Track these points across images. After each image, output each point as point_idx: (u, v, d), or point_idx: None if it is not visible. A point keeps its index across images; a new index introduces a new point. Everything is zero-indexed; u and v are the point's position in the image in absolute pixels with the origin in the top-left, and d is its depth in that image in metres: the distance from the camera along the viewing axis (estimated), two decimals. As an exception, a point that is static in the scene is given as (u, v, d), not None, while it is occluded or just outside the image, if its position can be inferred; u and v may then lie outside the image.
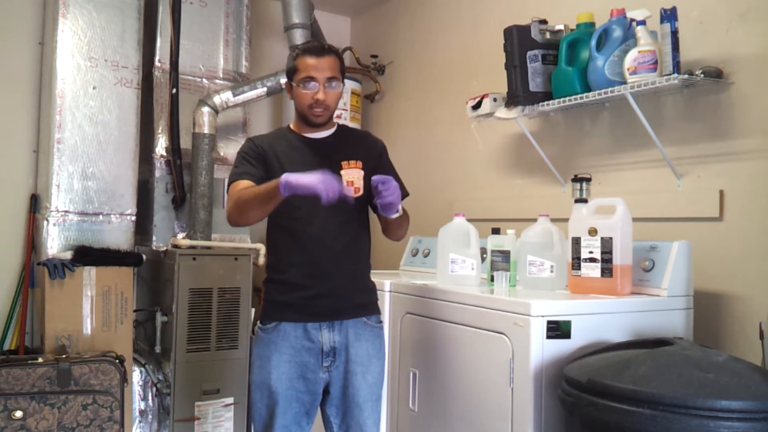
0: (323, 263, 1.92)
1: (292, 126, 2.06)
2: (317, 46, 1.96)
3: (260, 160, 1.96)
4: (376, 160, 2.06)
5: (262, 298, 2.03)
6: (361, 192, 1.92)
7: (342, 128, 2.09)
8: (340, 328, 1.95)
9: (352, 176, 1.91)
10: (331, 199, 1.65)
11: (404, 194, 2.10)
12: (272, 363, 1.92)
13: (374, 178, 1.79)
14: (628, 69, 2.18)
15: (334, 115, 2.04)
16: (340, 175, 1.92)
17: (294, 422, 1.92)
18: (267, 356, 1.93)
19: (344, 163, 1.93)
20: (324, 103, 1.93)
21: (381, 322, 2.06)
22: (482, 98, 2.75)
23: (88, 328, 2.73)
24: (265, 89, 3.18)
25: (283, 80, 3.18)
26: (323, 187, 1.63)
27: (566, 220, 2.18)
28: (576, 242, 2.12)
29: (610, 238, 2.04)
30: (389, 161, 2.12)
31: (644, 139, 2.34)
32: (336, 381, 1.96)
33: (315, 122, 1.97)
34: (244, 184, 1.90)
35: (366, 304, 2.02)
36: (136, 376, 2.87)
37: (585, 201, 2.25)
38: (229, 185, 1.96)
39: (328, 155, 1.97)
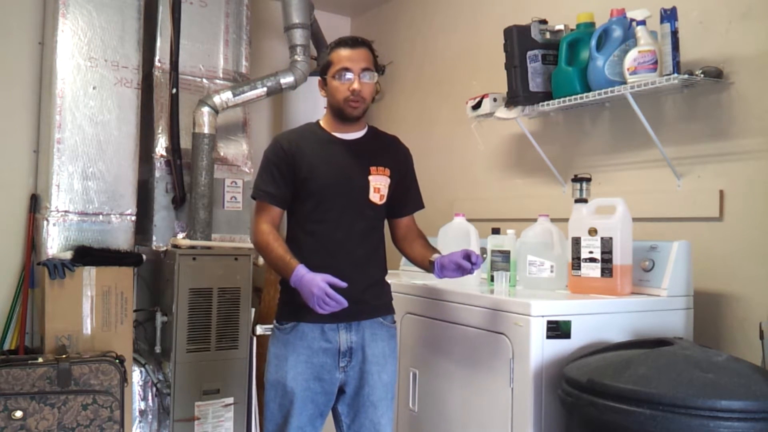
0: (346, 269, 1.88)
1: (322, 123, 2.03)
2: (350, 37, 1.96)
3: (286, 169, 1.94)
4: (404, 170, 2.08)
5: (279, 297, 2.01)
6: (384, 200, 1.98)
7: (373, 130, 2.08)
8: (357, 328, 1.95)
9: (380, 183, 1.98)
10: (326, 311, 1.79)
11: (420, 206, 2.14)
12: (289, 363, 1.92)
13: (473, 254, 1.88)
14: (628, 69, 2.18)
15: None
16: (368, 180, 1.96)
17: (309, 423, 1.93)
18: (284, 356, 1.93)
19: (372, 169, 1.97)
20: (360, 93, 1.91)
21: (395, 322, 2.06)
22: (482, 98, 2.75)
23: (88, 328, 2.73)
24: (265, 89, 3.18)
25: (284, 80, 3.20)
26: (328, 307, 1.77)
27: (566, 220, 2.18)
28: (576, 242, 2.12)
29: (610, 238, 2.04)
30: (414, 172, 2.14)
31: (644, 139, 2.34)
32: (351, 381, 1.96)
33: (351, 115, 1.95)
34: (267, 214, 1.94)
35: (382, 306, 2.03)
36: (136, 376, 2.87)
37: (585, 201, 2.25)
38: (253, 196, 1.98)
39: (359, 158, 1.98)
